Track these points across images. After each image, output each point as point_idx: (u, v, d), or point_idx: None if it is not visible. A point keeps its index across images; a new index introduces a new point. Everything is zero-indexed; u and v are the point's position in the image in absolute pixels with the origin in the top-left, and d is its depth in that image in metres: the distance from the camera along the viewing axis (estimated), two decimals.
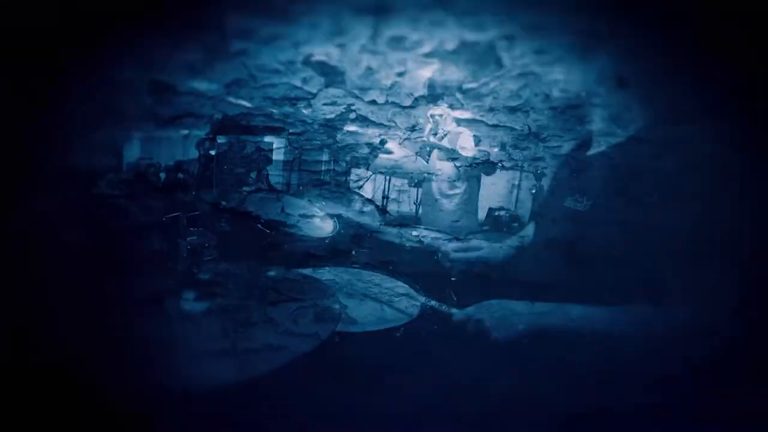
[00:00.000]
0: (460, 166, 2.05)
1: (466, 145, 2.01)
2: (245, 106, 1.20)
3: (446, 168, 2.12)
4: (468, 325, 0.79)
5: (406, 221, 1.92)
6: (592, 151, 0.88)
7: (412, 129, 1.91)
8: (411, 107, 1.33)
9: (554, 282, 0.85)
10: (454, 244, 1.13)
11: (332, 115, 1.47)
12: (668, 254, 0.69)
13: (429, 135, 1.88)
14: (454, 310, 0.85)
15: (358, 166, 2.23)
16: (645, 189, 0.72)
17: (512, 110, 1.28)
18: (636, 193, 0.73)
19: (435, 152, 2.09)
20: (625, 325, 0.72)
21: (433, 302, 0.91)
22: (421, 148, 1.96)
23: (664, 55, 0.72)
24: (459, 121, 1.80)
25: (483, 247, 1.13)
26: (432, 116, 1.89)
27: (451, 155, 2.01)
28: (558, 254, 0.88)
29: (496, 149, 1.94)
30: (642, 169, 0.73)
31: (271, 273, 0.97)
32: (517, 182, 2.92)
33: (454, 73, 1.09)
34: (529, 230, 1.11)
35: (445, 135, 1.99)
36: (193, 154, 1.42)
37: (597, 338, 0.73)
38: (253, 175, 1.77)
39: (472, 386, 0.80)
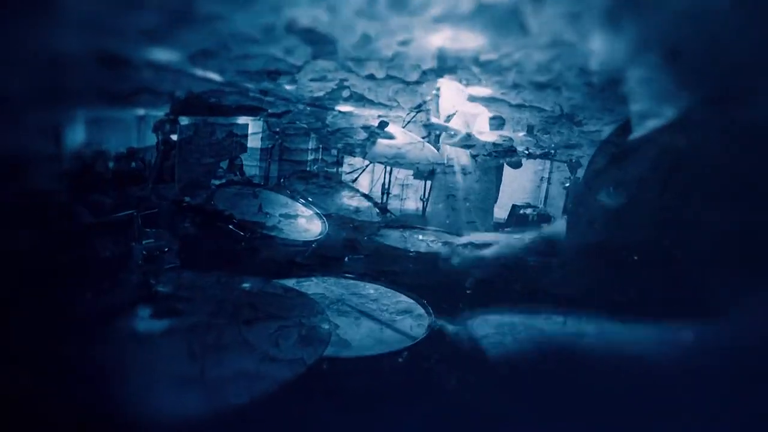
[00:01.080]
0: (476, 155, 2.06)
1: (484, 129, 2.01)
2: (214, 81, 1.20)
3: (460, 157, 2.13)
4: (464, 341, 0.80)
5: (410, 222, 1.92)
6: (632, 136, 0.88)
7: (419, 109, 1.91)
8: (417, 83, 1.33)
9: (586, 293, 0.85)
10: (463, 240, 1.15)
11: (321, 93, 1.48)
12: (720, 259, 0.69)
13: (431, 115, 1.88)
14: (446, 323, 0.87)
15: (352, 154, 2.24)
16: (694, 181, 0.73)
17: (540, 87, 1.29)
18: (684, 186, 0.74)
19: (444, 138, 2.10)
20: (666, 344, 0.73)
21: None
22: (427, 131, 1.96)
23: (722, 22, 0.72)
24: (475, 100, 1.81)
25: (497, 241, 1.15)
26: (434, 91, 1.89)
27: (465, 141, 2.01)
28: (592, 259, 0.88)
29: (521, 134, 1.95)
30: (692, 157, 0.74)
31: (246, 285, 0.98)
32: (546, 174, 2.93)
33: (470, 42, 1.10)
34: (559, 229, 1.12)
35: (453, 115, 2.00)
36: (151, 139, 1.43)
37: (631, 360, 0.73)
38: (224, 165, 1.78)
39: (487, 423, 0.81)
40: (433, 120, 1.89)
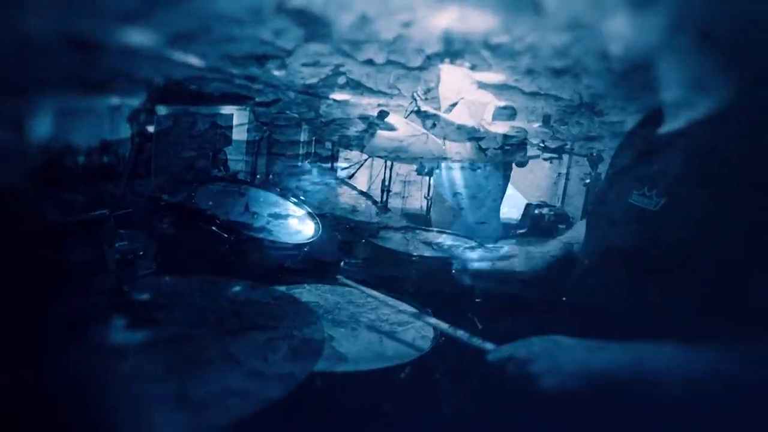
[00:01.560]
0: (486, 149, 2.06)
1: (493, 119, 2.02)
2: (196, 66, 1.20)
3: (465, 151, 2.13)
4: (508, 367, 0.78)
5: (413, 222, 1.93)
6: (664, 129, 0.88)
7: (412, 97, 1.90)
8: (421, 68, 1.34)
9: (616, 307, 0.85)
10: (474, 253, 1.15)
11: (314, 80, 1.48)
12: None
13: (418, 104, 1.86)
14: (488, 345, 0.84)
15: (348, 147, 2.24)
16: (736, 179, 0.72)
17: (557, 73, 1.29)
18: (724, 184, 0.73)
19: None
20: (720, 373, 0.71)
21: (460, 332, 0.89)
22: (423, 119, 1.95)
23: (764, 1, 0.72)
24: (485, 87, 1.81)
25: (515, 254, 1.17)
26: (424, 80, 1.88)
27: (472, 134, 2.02)
28: (620, 268, 0.88)
29: (536, 125, 1.95)
30: (731, 152, 0.74)
31: (231, 292, 0.98)
32: (564, 170, 2.94)
33: (479, 23, 1.10)
34: (579, 233, 1.12)
35: (454, 105, 1.99)
36: (125, 131, 1.43)
37: (684, 390, 0.71)
38: (207, 159, 1.78)
39: None
40: (424, 108, 1.88)
